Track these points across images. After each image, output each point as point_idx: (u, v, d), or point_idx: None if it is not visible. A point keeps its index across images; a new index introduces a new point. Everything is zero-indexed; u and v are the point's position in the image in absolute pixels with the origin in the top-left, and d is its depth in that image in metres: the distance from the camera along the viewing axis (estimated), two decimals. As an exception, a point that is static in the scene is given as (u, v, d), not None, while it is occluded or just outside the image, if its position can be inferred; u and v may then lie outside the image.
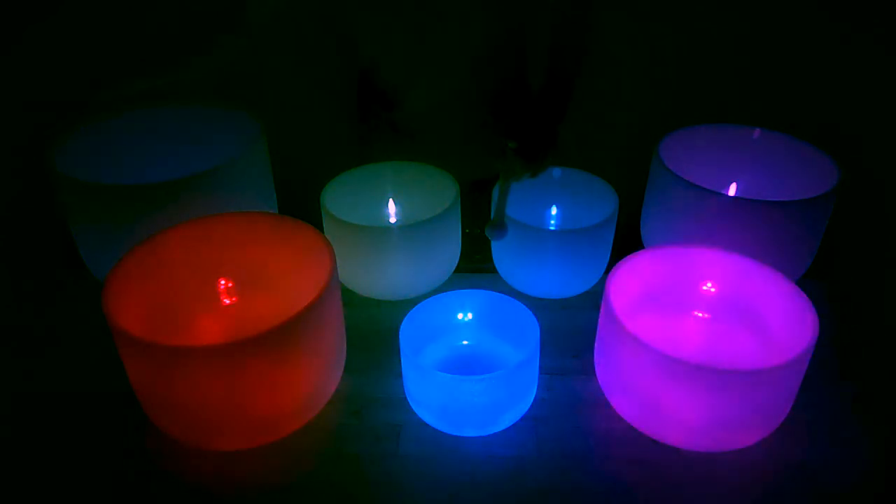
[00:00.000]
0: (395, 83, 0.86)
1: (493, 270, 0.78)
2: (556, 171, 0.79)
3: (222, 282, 0.67)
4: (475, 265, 0.85)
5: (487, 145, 0.67)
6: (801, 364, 0.53)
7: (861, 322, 0.74)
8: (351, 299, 0.74)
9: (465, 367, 0.66)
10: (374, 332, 0.72)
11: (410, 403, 0.62)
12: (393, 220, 0.83)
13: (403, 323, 0.61)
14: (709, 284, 0.67)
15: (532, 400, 0.62)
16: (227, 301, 0.68)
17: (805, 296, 0.57)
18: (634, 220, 0.80)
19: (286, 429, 0.57)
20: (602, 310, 0.59)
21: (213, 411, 0.53)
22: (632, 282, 0.63)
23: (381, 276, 0.72)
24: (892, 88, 0.87)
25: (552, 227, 0.82)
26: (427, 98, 0.85)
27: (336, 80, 0.91)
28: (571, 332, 0.72)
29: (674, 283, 0.67)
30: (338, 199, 0.74)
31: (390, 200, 0.82)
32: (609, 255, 0.75)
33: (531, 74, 0.87)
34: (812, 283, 0.67)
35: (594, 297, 0.76)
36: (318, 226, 0.65)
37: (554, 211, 0.82)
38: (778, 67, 0.89)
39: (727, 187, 0.82)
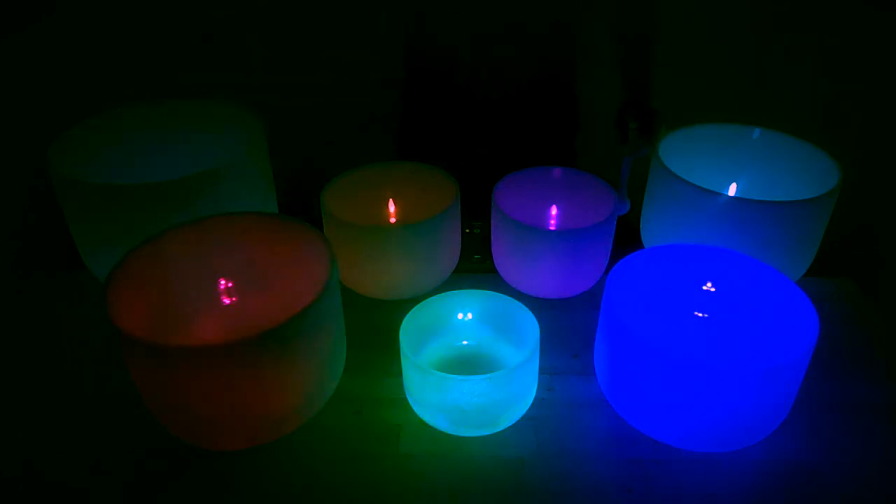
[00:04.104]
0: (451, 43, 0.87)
1: (493, 270, 0.78)
2: (556, 171, 0.79)
3: (222, 282, 0.67)
4: (475, 265, 0.85)
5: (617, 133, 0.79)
6: (801, 364, 0.53)
7: (861, 321, 0.74)
8: (351, 299, 0.74)
9: (465, 367, 0.66)
10: (374, 332, 0.72)
11: (410, 403, 0.62)
12: (393, 220, 0.83)
13: (403, 323, 0.61)
14: (709, 284, 0.67)
15: (532, 400, 0.62)
16: (227, 301, 0.68)
17: (805, 296, 0.57)
18: (634, 220, 0.80)
19: (286, 429, 0.57)
20: (602, 310, 0.59)
21: (213, 411, 0.53)
22: (632, 282, 0.63)
23: (381, 276, 0.72)
24: (892, 88, 0.87)
25: (552, 228, 0.82)
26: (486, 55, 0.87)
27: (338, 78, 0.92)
28: (571, 332, 0.72)
29: (674, 283, 0.67)
30: (338, 199, 0.74)
31: (390, 200, 0.82)
32: (609, 255, 0.75)
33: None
34: (812, 283, 0.67)
35: (594, 297, 0.76)
36: (318, 226, 0.65)
37: (554, 211, 0.82)
38: (778, 67, 0.89)
39: (727, 187, 0.82)
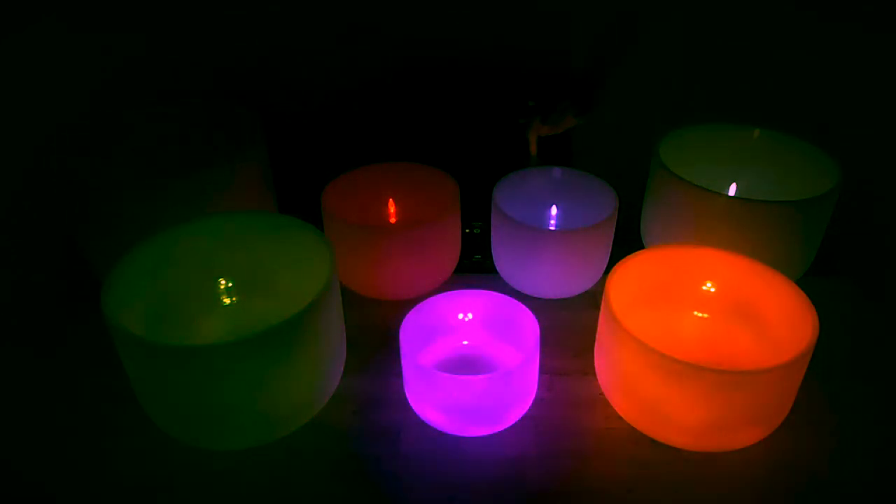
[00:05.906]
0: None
1: (493, 270, 0.78)
2: (556, 171, 0.79)
3: (222, 282, 0.67)
4: (475, 265, 0.85)
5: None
6: (801, 364, 0.53)
7: (862, 321, 0.74)
8: (351, 299, 0.74)
9: (465, 367, 0.66)
10: (374, 332, 0.72)
11: (410, 403, 0.62)
12: (393, 220, 0.83)
13: (403, 323, 0.61)
14: (709, 284, 0.67)
15: (532, 400, 0.62)
16: (227, 301, 0.68)
17: (805, 296, 0.58)
18: (634, 220, 0.80)
19: (286, 429, 0.57)
20: (602, 310, 0.59)
21: (214, 411, 0.53)
22: (632, 282, 0.63)
23: (381, 276, 0.72)
24: (892, 88, 0.87)
25: (552, 228, 0.82)
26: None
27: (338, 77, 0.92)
28: (571, 332, 0.72)
29: (674, 283, 0.67)
30: (338, 199, 0.74)
31: (390, 200, 0.82)
32: (609, 255, 0.75)
33: None
34: (812, 282, 0.67)
35: (594, 297, 0.76)
36: (319, 226, 0.65)
37: (554, 211, 0.82)
38: (778, 67, 0.89)
39: (727, 187, 0.82)
